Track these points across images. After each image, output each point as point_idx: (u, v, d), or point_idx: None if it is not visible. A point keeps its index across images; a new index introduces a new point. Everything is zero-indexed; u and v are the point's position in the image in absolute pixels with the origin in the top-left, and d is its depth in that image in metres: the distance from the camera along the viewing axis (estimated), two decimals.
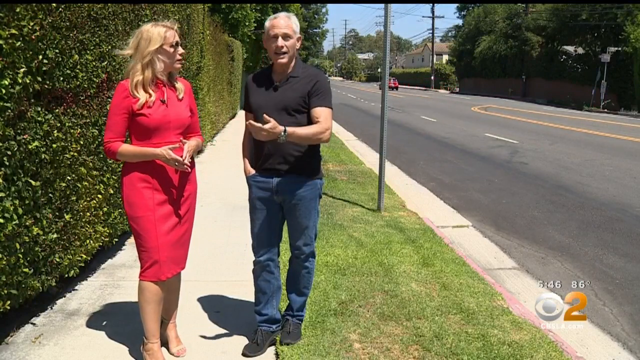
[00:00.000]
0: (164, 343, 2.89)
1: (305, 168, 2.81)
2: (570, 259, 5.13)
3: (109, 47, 4.01)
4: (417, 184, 8.39)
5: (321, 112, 2.71)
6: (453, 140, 13.85)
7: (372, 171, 8.72)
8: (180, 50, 2.61)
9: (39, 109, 2.99)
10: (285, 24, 2.68)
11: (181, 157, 2.55)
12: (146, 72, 2.54)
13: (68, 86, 3.33)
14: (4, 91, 2.62)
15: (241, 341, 3.04)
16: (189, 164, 2.60)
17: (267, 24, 2.74)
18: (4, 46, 2.62)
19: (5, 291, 2.82)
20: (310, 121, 2.75)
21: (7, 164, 2.71)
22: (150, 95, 2.54)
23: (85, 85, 3.60)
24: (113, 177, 4.10)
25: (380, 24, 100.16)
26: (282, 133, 2.50)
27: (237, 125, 15.10)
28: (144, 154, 2.56)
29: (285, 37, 2.68)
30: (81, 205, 3.58)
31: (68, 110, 3.36)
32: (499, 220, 6.42)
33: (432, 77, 58.00)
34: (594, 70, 29.20)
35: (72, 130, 3.39)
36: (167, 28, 2.57)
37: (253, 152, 2.89)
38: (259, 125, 2.46)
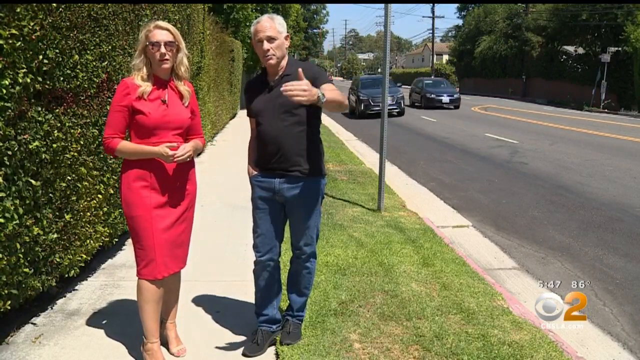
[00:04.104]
0: (164, 343, 2.89)
1: (309, 167, 2.80)
2: (570, 259, 5.12)
3: (109, 47, 4.01)
4: (417, 184, 8.39)
5: (331, 86, 2.71)
6: (453, 140, 13.84)
7: (372, 171, 8.72)
8: (162, 50, 2.57)
9: (40, 108, 3.00)
10: (268, 26, 2.67)
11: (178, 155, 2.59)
12: (144, 69, 2.60)
13: (68, 86, 3.33)
14: (4, 91, 2.62)
15: (241, 341, 3.04)
16: (185, 157, 2.62)
17: (252, 28, 2.73)
18: (4, 46, 2.62)
19: (6, 291, 2.82)
20: (310, 116, 2.77)
21: (8, 163, 2.71)
22: (149, 86, 2.58)
23: (86, 85, 3.60)
24: (113, 177, 4.10)
25: (380, 24, 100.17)
26: (320, 92, 2.50)
27: (237, 125, 15.10)
28: (143, 152, 2.57)
29: (270, 39, 2.67)
30: (81, 205, 3.59)
31: (68, 110, 3.36)
32: (499, 220, 6.42)
33: (433, 77, 57.89)
34: (594, 70, 29.17)
35: (72, 130, 3.40)
36: (151, 28, 2.58)
37: (256, 153, 2.89)
38: (296, 83, 2.40)
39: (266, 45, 2.67)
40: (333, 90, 2.68)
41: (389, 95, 6.46)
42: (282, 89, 2.39)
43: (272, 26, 2.68)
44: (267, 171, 2.82)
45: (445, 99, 25.02)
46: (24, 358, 2.84)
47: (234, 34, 16.41)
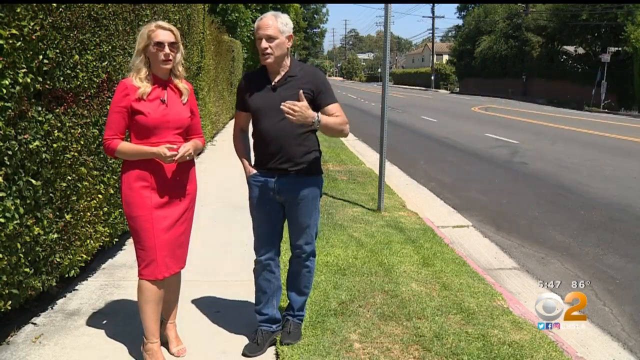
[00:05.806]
0: (164, 343, 2.90)
1: (307, 166, 2.81)
2: (570, 259, 5.13)
3: (110, 47, 4.02)
4: (417, 184, 8.39)
5: (335, 108, 2.74)
6: (453, 141, 13.84)
7: (372, 171, 8.72)
8: (166, 50, 2.56)
9: (40, 108, 3.00)
10: (270, 24, 2.65)
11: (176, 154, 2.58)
12: (143, 69, 2.59)
13: (68, 86, 3.33)
14: (4, 91, 2.62)
15: (241, 341, 3.04)
16: (184, 156, 2.62)
17: (255, 24, 2.74)
18: (4, 46, 2.62)
19: (6, 291, 2.82)
20: None
21: (8, 163, 2.71)
22: (148, 87, 2.58)
23: (86, 85, 3.60)
24: (113, 177, 4.10)
25: (380, 24, 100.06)
26: (316, 118, 2.57)
27: None
28: (142, 153, 2.57)
29: (269, 38, 2.65)
30: (81, 205, 3.59)
31: (68, 110, 3.36)
32: (499, 220, 6.42)
33: (433, 77, 57.88)
34: (594, 70, 29.21)
35: (72, 130, 3.40)
36: (154, 28, 2.57)
37: (254, 152, 2.89)
38: (291, 102, 2.47)
39: (264, 43, 2.66)
40: (334, 117, 2.69)
41: None
42: (281, 106, 2.51)
43: (274, 25, 2.66)
44: (267, 171, 2.82)
45: None
46: (24, 358, 2.84)
47: (231, 34, 16.39)
